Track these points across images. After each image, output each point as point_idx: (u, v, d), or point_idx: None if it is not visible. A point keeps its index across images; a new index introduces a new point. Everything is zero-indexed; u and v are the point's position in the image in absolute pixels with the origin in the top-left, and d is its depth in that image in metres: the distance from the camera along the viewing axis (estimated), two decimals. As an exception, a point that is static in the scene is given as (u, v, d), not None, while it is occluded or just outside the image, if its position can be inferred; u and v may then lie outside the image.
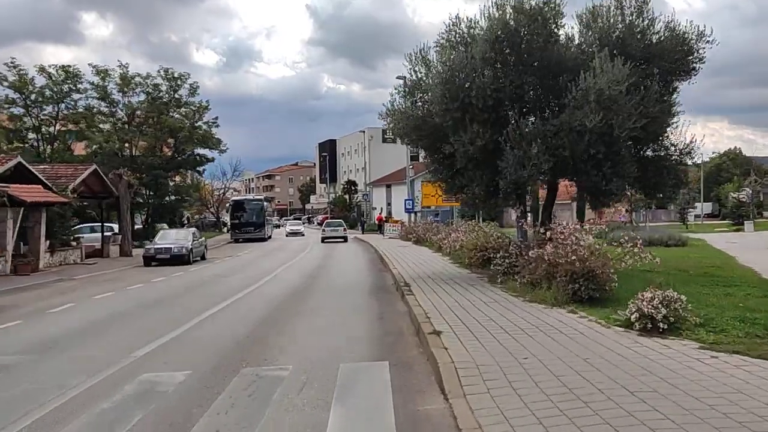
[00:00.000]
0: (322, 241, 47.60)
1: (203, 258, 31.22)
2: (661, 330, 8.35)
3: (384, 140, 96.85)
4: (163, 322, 11.94)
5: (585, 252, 11.28)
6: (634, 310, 8.66)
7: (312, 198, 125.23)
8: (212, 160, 50.68)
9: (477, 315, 10.63)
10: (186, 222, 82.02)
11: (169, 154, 46.44)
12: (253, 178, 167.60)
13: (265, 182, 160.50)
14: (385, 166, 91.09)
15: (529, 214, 25.80)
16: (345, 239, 48.43)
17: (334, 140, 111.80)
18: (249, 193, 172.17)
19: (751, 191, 56.32)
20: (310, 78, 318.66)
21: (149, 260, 28.05)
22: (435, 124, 16.53)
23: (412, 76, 17.64)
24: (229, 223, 54.27)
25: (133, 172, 43.31)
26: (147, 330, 11.14)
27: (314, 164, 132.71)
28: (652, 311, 8.43)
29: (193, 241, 29.72)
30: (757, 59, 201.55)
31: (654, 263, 11.38)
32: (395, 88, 18.20)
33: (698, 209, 67.07)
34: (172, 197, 46.85)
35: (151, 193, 44.60)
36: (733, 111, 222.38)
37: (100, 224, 35.51)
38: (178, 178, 48.67)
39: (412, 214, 50.28)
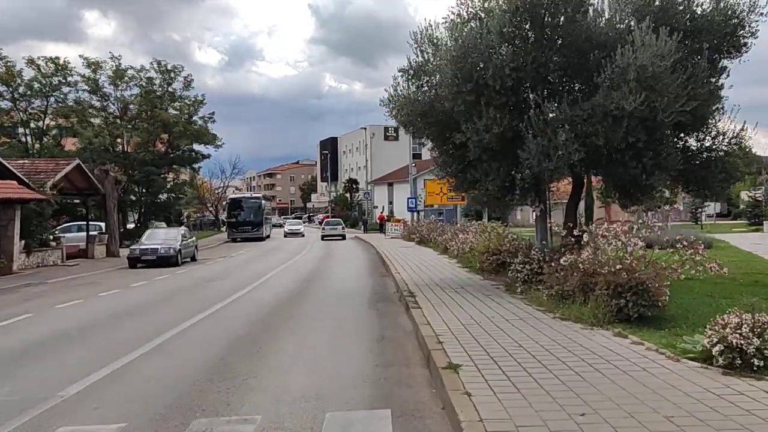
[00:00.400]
0: (322, 239, 48.50)
1: (193, 259, 29.17)
2: (755, 368, 6.24)
3: (386, 138, 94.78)
4: (118, 343, 9.84)
5: (632, 260, 9.16)
6: (715, 339, 6.53)
7: (313, 197, 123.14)
8: (208, 156, 48.71)
9: (501, 338, 8.52)
10: (185, 220, 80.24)
11: (163, 149, 44.35)
12: (254, 177, 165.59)
13: (266, 180, 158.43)
14: (387, 164, 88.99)
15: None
16: (343, 237, 49.84)
17: (336, 138, 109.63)
18: (250, 191, 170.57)
19: (765, 190, 54.13)
20: (312, 77, 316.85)
21: (134, 262, 26.01)
22: (444, 110, 14.43)
23: (417, 57, 15.50)
24: (225, 222, 52.19)
25: (125, 169, 41.35)
26: (94, 355, 9.02)
27: (315, 163, 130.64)
28: (742, 342, 6.31)
29: (182, 241, 27.64)
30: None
31: (717, 271, 9.24)
32: (399, 71, 16.00)
33: (710, 208, 64.85)
34: (166, 195, 44.72)
35: (144, 190, 42.50)
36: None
37: (96, 222, 33.64)
38: (172, 175, 46.52)
39: (415, 213, 48.19)
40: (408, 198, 45.48)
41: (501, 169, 13.68)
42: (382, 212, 69.62)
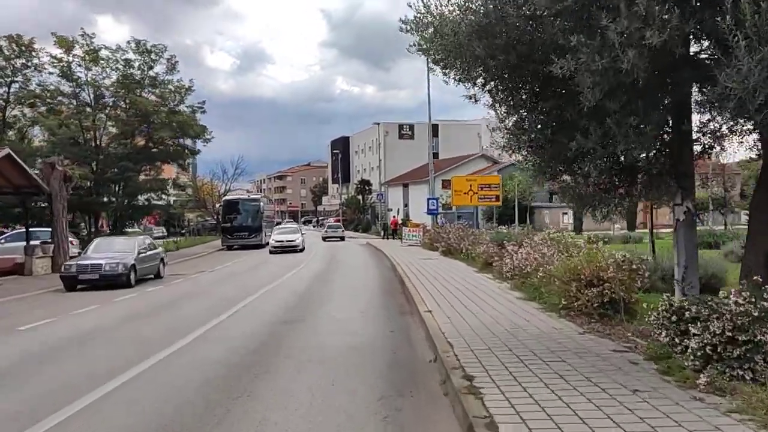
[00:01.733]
0: (324, 240, 52.19)
1: (158, 276, 22.52)
2: None
3: (401, 136, 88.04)
4: None
5: None
6: None
7: (324, 199, 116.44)
8: (197, 152, 42.06)
9: None
10: (185, 225, 73.90)
11: (142, 143, 37.78)
12: (264, 179, 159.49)
13: (276, 183, 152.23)
14: (401, 164, 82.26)
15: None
16: (342, 238, 53.67)
17: (347, 137, 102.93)
18: (260, 193, 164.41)
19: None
20: (323, 80, 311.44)
21: (71, 282, 19.39)
22: (522, 30, 7.65)
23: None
24: (220, 227, 45.56)
25: (97, 165, 34.86)
26: None
27: (327, 165, 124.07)
28: None
29: (140, 254, 20.98)
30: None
31: None
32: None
33: None
34: (145, 195, 38.04)
35: (119, 190, 35.93)
36: None
37: (45, 229, 27.14)
38: (153, 173, 39.80)
39: (436, 217, 41.42)
40: (428, 199, 38.65)
41: (645, 128, 6.81)
42: (395, 216, 62.67)
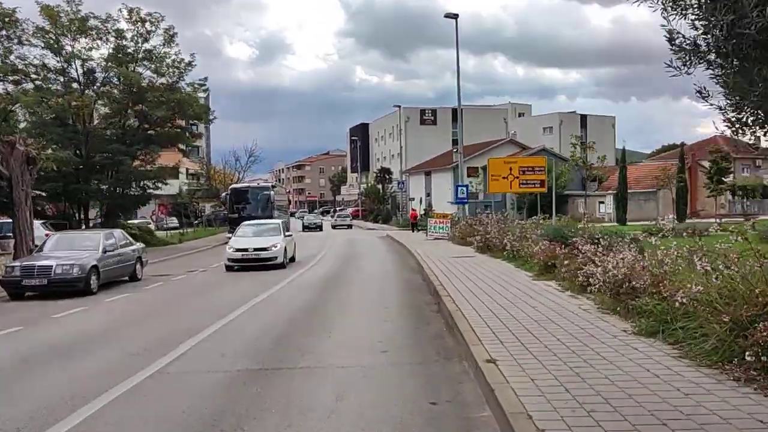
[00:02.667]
0: (333, 228, 55.00)
1: (133, 278, 18.23)
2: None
3: (422, 121, 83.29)
4: None
5: None
6: None
7: (342, 189, 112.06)
8: (199, 134, 37.69)
9: None
10: (199, 216, 69.92)
11: (135, 124, 33.50)
12: (283, 169, 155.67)
13: (295, 173, 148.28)
14: (423, 152, 77.60)
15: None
16: (350, 226, 57.94)
17: (366, 124, 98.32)
18: (271, 182, 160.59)
19: None
20: (342, 70, 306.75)
21: (14, 289, 15.18)
22: None
23: None
24: (227, 218, 41.38)
25: (85, 148, 30.70)
26: None
27: (346, 153, 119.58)
28: None
29: (106, 252, 16.68)
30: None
31: None
32: None
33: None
34: (141, 184, 33.69)
35: (109, 176, 31.68)
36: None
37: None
38: (152, 158, 35.34)
39: (465, 206, 36.83)
40: (457, 186, 33.96)
41: None
42: (414, 209, 57.82)
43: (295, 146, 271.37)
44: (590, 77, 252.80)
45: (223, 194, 41.62)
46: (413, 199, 63.29)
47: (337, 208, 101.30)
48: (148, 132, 33.81)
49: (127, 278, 18.14)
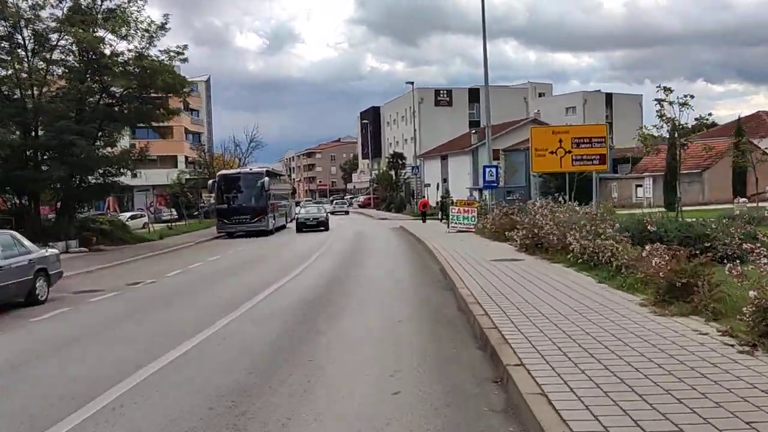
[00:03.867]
0: (332, 213, 50.98)
1: (33, 300, 12.39)
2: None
3: (437, 102, 76.87)
4: None
5: None
6: None
7: (354, 176, 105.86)
8: (176, 112, 31.79)
9: None
10: (198, 207, 64.27)
11: (95, 99, 27.53)
12: (293, 157, 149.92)
13: (305, 161, 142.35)
14: (438, 135, 71.26)
15: None
16: (347, 212, 61.17)
17: (377, 107, 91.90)
18: (291, 174, 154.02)
19: None
20: (353, 58, 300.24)
21: None
22: None
23: None
24: (216, 209, 35.41)
25: (29, 127, 24.89)
26: None
27: (357, 140, 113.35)
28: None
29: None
30: None
31: None
32: None
33: None
34: (104, 170, 27.68)
35: (60, 160, 25.66)
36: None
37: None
38: (114, 139, 29.26)
39: (491, 191, 30.75)
40: (484, 167, 27.78)
41: None
42: (424, 196, 51.62)
43: (306, 136, 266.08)
44: (603, 61, 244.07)
45: (210, 182, 35.68)
46: (429, 185, 57.12)
47: (350, 197, 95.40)
48: (112, 107, 27.83)
49: (21, 300, 12.28)
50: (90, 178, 27.39)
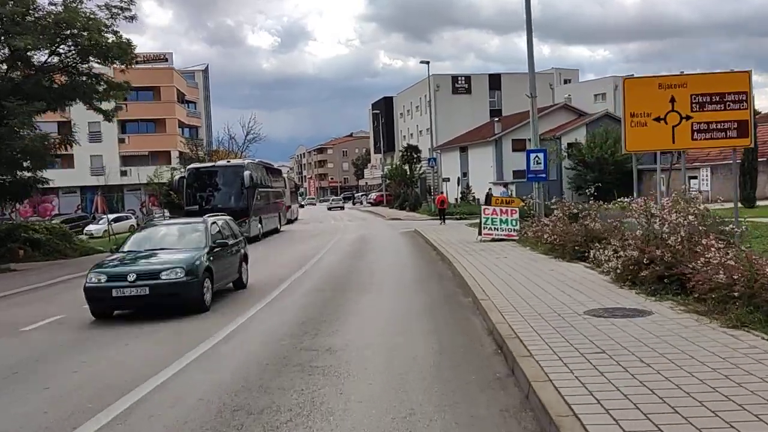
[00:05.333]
0: (329, 210, 62.12)
1: None
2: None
3: (455, 90, 69.35)
4: None
5: None
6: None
7: (366, 172, 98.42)
8: (124, 88, 24.60)
9: None
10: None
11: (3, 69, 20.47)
12: (304, 154, 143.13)
13: (317, 157, 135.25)
14: (456, 125, 63.90)
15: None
16: (342, 208, 66.85)
17: (390, 98, 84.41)
18: (302, 171, 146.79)
19: None
20: (365, 55, 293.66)
21: None
22: None
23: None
24: (184, 213, 28.17)
25: None
26: None
27: (369, 135, 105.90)
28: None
29: None
30: None
31: None
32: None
33: None
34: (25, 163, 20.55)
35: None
36: None
37: None
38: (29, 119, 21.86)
39: (540, 184, 23.29)
40: (528, 152, 20.20)
41: None
42: (442, 193, 44.48)
43: (320, 134, 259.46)
44: (618, 53, 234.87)
45: (177, 178, 28.28)
46: (448, 179, 49.72)
47: (363, 193, 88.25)
48: (29, 79, 20.74)
49: None
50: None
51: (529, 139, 54.85)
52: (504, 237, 18.82)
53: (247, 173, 26.44)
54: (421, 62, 50.17)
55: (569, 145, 51.04)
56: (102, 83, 22.17)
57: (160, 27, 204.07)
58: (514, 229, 18.84)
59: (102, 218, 48.54)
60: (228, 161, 27.79)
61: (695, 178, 43.67)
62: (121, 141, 59.21)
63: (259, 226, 28.53)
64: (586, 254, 12.31)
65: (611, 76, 77.38)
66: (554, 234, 14.06)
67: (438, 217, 35.89)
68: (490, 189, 37.38)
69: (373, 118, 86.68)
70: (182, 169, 55.05)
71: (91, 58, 21.21)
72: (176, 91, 60.44)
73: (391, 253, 19.19)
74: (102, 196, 60.31)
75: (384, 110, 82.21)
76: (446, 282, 12.53)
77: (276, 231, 33.13)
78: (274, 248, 23.91)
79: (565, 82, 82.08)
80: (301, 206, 73.32)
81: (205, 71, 69.87)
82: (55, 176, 51.58)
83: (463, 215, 38.21)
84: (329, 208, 68.06)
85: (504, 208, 19.19)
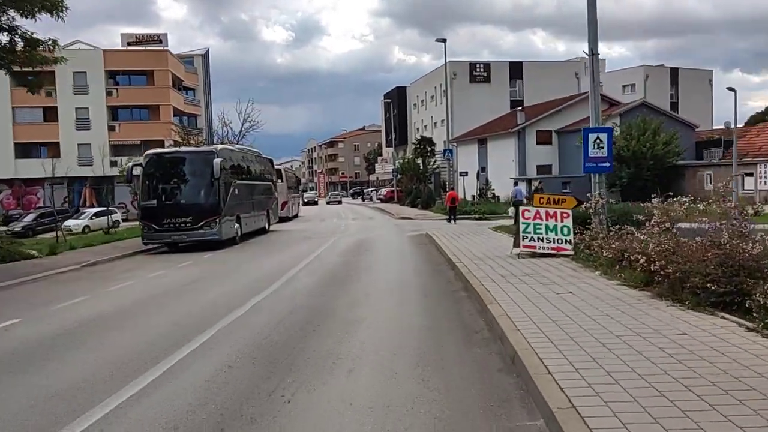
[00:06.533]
0: (327, 204, 64.98)
1: None
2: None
3: (473, 79, 63.37)
4: None
5: None
6: None
7: (377, 166, 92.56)
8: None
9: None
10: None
11: None
12: (315, 148, 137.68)
13: (328, 151, 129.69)
14: (473, 117, 58.17)
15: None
16: (340, 202, 69.60)
17: (403, 88, 78.52)
18: (312, 165, 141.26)
19: None
20: (379, 50, 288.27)
21: None
22: None
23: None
24: (140, 210, 22.38)
25: None
26: None
27: (381, 128, 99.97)
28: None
29: None
30: None
31: None
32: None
33: None
34: None
35: None
36: None
37: None
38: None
39: (600, 176, 17.61)
40: (585, 132, 14.30)
41: None
42: (453, 189, 39.28)
43: (333, 128, 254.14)
44: (635, 51, 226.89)
45: (130, 165, 22.23)
46: (466, 173, 43.89)
47: (369, 189, 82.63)
48: None
49: None
50: None
51: (556, 131, 48.96)
52: (552, 252, 13.11)
53: (217, 161, 20.80)
54: (437, 40, 44.00)
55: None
56: (24, 43, 16.50)
57: (174, 21, 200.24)
58: (567, 240, 13.12)
59: (84, 212, 43.46)
60: (197, 146, 22.00)
61: (751, 175, 37.54)
62: (111, 129, 54.01)
63: (237, 226, 23.00)
64: (736, 300, 6.62)
65: (642, 65, 70.96)
66: (656, 256, 8.29)
67: (447, 217, 30.93)
68: (540, 183, 31.57)
69: (384, 108, 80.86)
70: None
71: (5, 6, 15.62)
72: (171, 75, 55.04)
73: (391, 275, 13.47)
74: (90, 188, 55.34)
75: (397, 101, 76.49)
76: (480, 354, 6.74)
77: (263, 231, 27.67)
78: (245, 259, 18.39)
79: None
80: (313, 203, 68.09)
81: (206, 56, 64.36)
82: (39, 166, 46.94)
83: (483, 215, 32.50)
84: (328, 202, 69.61)
85: (552, 210, 13.42)
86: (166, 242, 21.24)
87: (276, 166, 41.28)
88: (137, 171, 21.70)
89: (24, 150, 54.84)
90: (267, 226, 28.41)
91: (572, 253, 12.88)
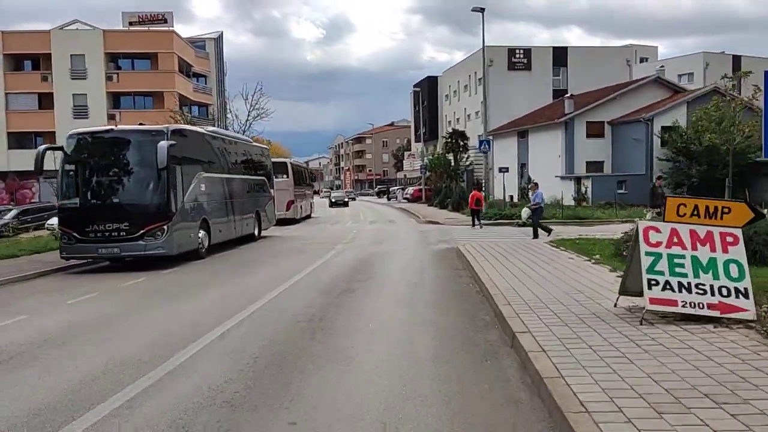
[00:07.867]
0: (331, 206, 52.89)
1: None
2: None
3: (511, 66, 56.28)
4: None
5: None
6: None
7: (405, 163, 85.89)
8: None
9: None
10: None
11: None
12: (342, 144, 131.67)
13: (355, 147, 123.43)
14: (512, 109, 51.19)
15: None
16: (346, 204, 55.56)
17: (434, 78, 71.62)
18: (339, 162, 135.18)
19: None
20: (410, 47, 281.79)
21: None
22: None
23: None
24: (58, 210, 16.43)
25: None
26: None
27: (410, 123, 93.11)
28: None
29: None
30: None
31: None
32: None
33: None
34: None
35: None
36: None
37: None
38: None
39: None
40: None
41: None
42: (480, 188, 32.86)
43: (363, 126, 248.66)
44: (673, 48, 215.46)
45: (41, 149, 15.91)
46: (506, 169, 36.95)
47: (396, 188, 76.13)
48: None
49: None
50: None
51: (610, 122, 41.38)
52: (709, 313, 6.43)
53: (163, 144, 14.43)
54: (473, 10, 37.04)
55: (664, 129, 37.94)
56: None
57: (208, 18, 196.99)
58: (739, 291, 6.44)
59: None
60: (136, 126, 15.70)
61: None
62: (111, 117, 48.61)
63: (201, 234, 16.74)
64: None
65: (701, 52, 62.92)
66: None
67: (471, 221, 25.93)
68: (660, 179, 24.65)
69: (414, 99, 74.18)
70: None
71: None
72: (177, 58, 49.35)
73: (393, 346, 7.01)
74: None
75: (427, 92, 69.69)
76: None
77: (251, 238, 21.44)
78: (173, 293, 12.08)
79: (641, 60, 67.93)
80: (342, 204, 58.70)
81: (218, 40, 58.58)
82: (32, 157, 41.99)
83: (528, 221, 25.68)
84: (332, 204, 55.41)
85: (705, 230, 6.72)
86: (93, 257, 15.08)
87: (285, 160, 35.24)
88: (57, 158, 15.51)
89: (18, 140, 49.85)
90: (257, 232, 22.17)
91: (753, 315, 6.22)
